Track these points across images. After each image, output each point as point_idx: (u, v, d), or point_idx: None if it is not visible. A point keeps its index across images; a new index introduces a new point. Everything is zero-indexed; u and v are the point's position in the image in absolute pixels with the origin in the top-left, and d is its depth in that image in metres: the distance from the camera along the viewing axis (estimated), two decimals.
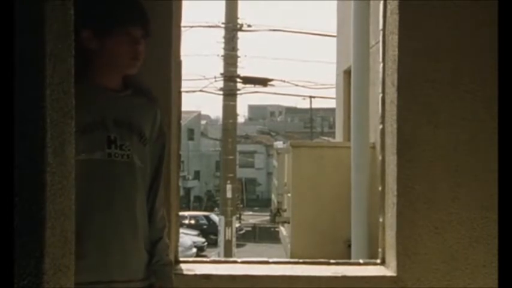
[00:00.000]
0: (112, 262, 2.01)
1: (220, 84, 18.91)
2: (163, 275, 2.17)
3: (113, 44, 2.02)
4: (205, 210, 35.74)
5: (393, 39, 2.66)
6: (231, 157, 18.99)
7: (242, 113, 53.73)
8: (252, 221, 33.80)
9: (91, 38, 1.98)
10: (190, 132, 41.43)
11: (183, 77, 2.84)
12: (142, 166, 2.10)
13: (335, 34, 9.82)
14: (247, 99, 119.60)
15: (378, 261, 2.79)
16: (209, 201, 40.40)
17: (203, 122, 47.83)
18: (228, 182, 18.64)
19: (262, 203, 37.43)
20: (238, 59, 19.31)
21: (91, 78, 2.01)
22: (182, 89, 2.83)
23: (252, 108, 55.35)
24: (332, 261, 2.82)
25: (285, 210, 7.87)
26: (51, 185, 1.22)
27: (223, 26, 18.76)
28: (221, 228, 18.82)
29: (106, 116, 2.02)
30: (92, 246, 1.95)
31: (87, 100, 1.87)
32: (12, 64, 1.17)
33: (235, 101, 19.11)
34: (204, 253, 24.17)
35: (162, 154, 2.21)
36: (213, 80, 18.99)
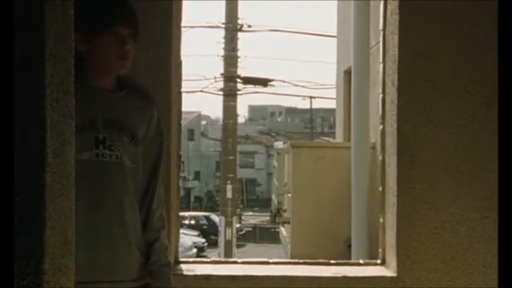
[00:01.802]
0: (99, 262, 2.01)
1: (221, 84, 18.92)
2: (161, 276, 2.16)
3: (100, 46, 2.03)
4: (205, 210, 35.73)
5: (393, 39, 2.66)
6: (231, 157, 18.98)
7: (242, 113, 53.81)
8: (252, 221, 33.79)
9: (80, 41, 1.96)
10: (191, 132, 41.42)
11: (183, 77, 2.84)
12: (134, 166, 2.09)
13: (335, 34, 9.81)
14: (247, 99, 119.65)
15: (378, 261, 2.79)
16: (209, 202, 40.39)
17: (203, 122, 47.81)
18: (228, 182, 18.64)
19: (262, 203, 37.40)
20: (239, 60, 19.31)
21: (84, 79, 2.01)
22: (182, 90, 2.83)
23: (252, 109, 55.35)
24: (332, 261, 2.82)
25: (285, 211, 7.85)
26: (51, 185, 1.22)
27: (223, 26, 18.76)
28: (221, 229, 18.81)
29: (95, 117, 2.02)
30: (79, 246, 1.94)
31: (77, 100, 1.88)
32: (12, 64, 1.17)
33: (235, 101, 19.11)
34: (204, 253, 24.17)
35: (159, 154, 2.20)
36: (213, 80, 19.00)
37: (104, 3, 2.05)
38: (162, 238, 2.18)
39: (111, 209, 2.03)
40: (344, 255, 5.04)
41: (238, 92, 19.29)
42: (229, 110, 18.90)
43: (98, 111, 2.04)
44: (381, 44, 2.85)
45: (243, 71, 20.13)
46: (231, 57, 18.84)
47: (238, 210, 31.91)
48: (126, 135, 2.07)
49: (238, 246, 22.20)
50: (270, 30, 20.91)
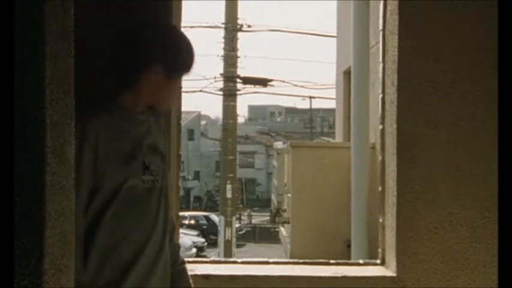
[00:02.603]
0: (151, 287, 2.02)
1: (220, 84, 18.90)
2: (184, 275, 2.21)
3: (169, 86, 2.06)
4: (205, 210, 35.72)
5: (393, 39, 2.66)
6: (231, 157, 18.97)
7: (242, 113, 53.81)
8: (252, 221, 33.79)
9: (159, 74, 1.99)
10: (190, 132, 41.41)
11: (183, 77, 2.83)
12: (165, 186, 2.11)
13: (335, 34, 9.81)
14: (247, 99, 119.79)
15: (378, 261, 2.79)
16: (209, 202, 40.39)
17: (203, 122, 47.81)
18: (228, 182, 18.63)
19: (262, 203, 37.40)
20: (238, 59, 19.29)
21: (128, 103, 2.01)
22: (182, 89, 2.82)
23: (252, 109, 55.35)
24: (332, 261, 2.82)
25: (284, 211, 7.85)
26: (51, 185, 1.22)
27: (223, 26, 18.75)
28: (221, 229, 18.81)
29: (141, 142, 2.02)
30: (133, 274, 1.95)
31: (124, 127, 1.96)
32: (12, 64, 1.17)
33: (235, 101, 19.09)
34: (203, 253, 24.16)
35: (167, 159, 2.22)
36: (213, 80, 18.97)
37: (188, 50, 2.07)
38: (174, 239, 2.22)
39: (158, 236, 2.03)
40: (344, 255, 5.04)
41: (238, 92, 19.28)
42: (229, 110, 18.88)
43: (141, 136, 2.04)
44: (380, 44, 2.85)
45: (242, 71, 20.11)
46: (230, 57, 18.83)
47: (248, 210, 32.12)
48: (159, 156, 2.09)
49: (238, 246, 22.19)
50: (270, 30, 20.94)
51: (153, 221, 2.02)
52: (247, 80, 19.19)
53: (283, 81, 22.58)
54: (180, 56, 2.05)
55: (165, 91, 2.07)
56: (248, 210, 33.30)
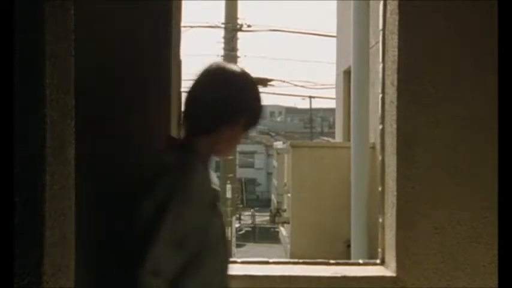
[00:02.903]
0: None
1: None
2: None
3: (240, 138, 2.10)
4: None
5: (393, 39, 2.66)
6: (230, 157, 18.96)
7: None
8: (251, 221, 33.78)
9: (241, 126, 2.03)
10: None
11: (183, 77, 2.84)
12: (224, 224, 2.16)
13: (335, 34, 9.82)
14: None
15: (378, 261, 2.79)
16: None
17: None
18: (228, 182, 18.63)
19: (262, 203, 37.36)
20: (238, 59, 19.29)
21: (201, 148, 2.03)
22: (182, 89, 2.83)
23: None
24: (332, 261, 2.82)
25: (284, 211, 7.86)
26: (51, 185, 1.22)
27: (223, 26, 18.75)
28: None
29: (214, 187, 2.08)
30: None
31: (207, 177, 2.01)
32: (12, 64, 1.17)
33: None
34: None
35: None
36: None
37: (262, 107, 2.12)
38: None
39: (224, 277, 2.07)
40: (344, 255, 5.04)
41: None
42: None
43: (212, 181, 2.09)
44: (380, 44, 2.85)
45: None
46: (230, 57, 18.81)
47: (252, 210, 32.11)
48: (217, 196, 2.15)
49: (238, 246, 22.19)
50: (270, 30, 20.92)
51: (224, 265, 2.05)
52: None
53: (283, 81, 22.62)
54: (259, 112, 2.10)
55: (237, 141, 2.12)
56: (252, 210, 33.28)
